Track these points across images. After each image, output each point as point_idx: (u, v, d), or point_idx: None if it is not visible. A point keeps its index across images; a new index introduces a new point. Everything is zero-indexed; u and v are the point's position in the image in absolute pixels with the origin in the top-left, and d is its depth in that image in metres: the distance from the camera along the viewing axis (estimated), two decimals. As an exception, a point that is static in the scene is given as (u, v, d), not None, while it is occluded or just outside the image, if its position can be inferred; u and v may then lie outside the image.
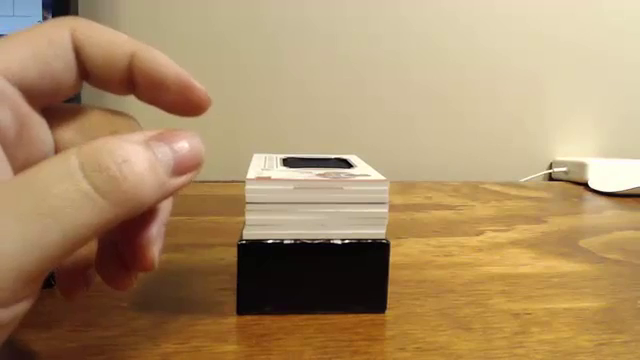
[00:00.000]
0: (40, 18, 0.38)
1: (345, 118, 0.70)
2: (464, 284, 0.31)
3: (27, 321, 0.24)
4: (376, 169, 0.28)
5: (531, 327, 0.25)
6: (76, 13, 0.42)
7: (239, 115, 0.68)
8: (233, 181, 0.59)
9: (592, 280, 0.32)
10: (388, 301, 0.26)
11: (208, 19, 0.66)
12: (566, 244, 0.40)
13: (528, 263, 0.35)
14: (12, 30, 0.39)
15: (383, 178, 0.26)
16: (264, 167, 0.28)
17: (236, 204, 0.29)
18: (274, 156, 0.32)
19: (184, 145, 0.17)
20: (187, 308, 0.26)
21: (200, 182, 0.58)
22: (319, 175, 0.26)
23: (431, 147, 0.72)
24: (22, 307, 0.15)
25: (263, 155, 0.33)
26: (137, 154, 0.15)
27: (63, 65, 0.18)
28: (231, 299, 0.26)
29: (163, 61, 0.19)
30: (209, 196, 0.53)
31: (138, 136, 0.16)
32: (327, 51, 0.69)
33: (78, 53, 0.18)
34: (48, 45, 0.18)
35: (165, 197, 0.16)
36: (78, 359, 0.21)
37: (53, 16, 0.39)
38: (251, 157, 0.31)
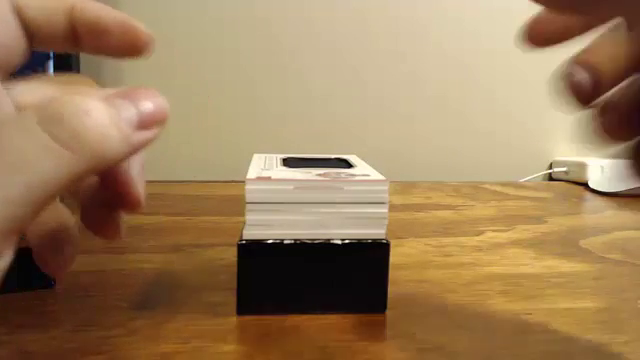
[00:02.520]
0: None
1: (345, 118, 0.70)
2: (464, 284, 0.31)
3: (27, 321, 0.25)
4: (376, 169, 0.28)
5: (531, 327, 0.25)
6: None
7: (239, 115, 0.68)
8: (233, 181, 0.59)
9: (592, 280, 0.32)
10: (388, 301, 0.26)
11: (209, 19, 0.66)
12: (566, 244, 0.40)
13: (528, 263, 0.35)
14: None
15: (383, 178, 0.26)
16: (264, 167, 0.28)
17: (236, 204, 0.29)
18: (274, 156, 0.32)
19: (146, 102, 0.17)
20: (187, 308, 0.26)
21: (200, 182, 0.58)
22: (319, 175, 0.26)
23: (431, 147, 0.72)
24: None
25: (263, 155, 0.33)
26: (98, 108, 0.15)
27: (7, 31, 0.18)
28: (231, 299, 0.26)
29: (101, 8, 0.19)
30: (209, 196, 0.53)
31: (99, 93, 0.16)
32: (327, 51, 0.69)
33: (20, 17, 0.18)
34: None
35: (132, 152, 0.16)
36: (78, 359, 0.21)
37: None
38: (251, 157, 0.31)
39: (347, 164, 0.30)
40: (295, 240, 0.25)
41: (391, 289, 0.26)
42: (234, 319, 0.25)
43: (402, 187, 0.62)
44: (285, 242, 0.25)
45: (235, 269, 0.25)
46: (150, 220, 0.43)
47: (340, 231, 0.25)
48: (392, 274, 0.26)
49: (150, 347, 0.22)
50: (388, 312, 0.26)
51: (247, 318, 0.25)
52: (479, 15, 0.71)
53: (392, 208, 0.25)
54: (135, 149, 0.16)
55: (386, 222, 0.26)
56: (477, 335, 0.25)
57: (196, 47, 0.66)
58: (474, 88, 0.72)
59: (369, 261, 0.26)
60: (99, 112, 0.15)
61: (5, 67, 0.19)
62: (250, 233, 0.25)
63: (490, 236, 0.42)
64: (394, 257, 0.26)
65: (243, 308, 0.26)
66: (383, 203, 0.25)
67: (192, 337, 0.23)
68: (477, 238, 0.41)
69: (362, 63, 0.70)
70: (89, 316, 0.25)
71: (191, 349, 0.22)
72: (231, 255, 0.25)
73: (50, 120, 0.14)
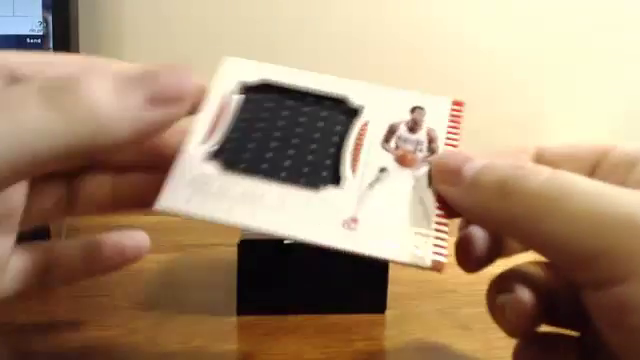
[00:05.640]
0: (40, 19, 0.38)
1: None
2: (464, 284, 0.31)
3: (27, 321, 0.25)
4: None
5: (531, 327, 0.25)
6: (76, 14, 0.42)
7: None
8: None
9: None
10: (388, 301, 0.26)
11: (208, 18, 0.66)
12: (566, 244, 0.40)
13: (528, 263, 0.35)
14: (12, 30, 0.38)
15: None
16: None
17: (236, 204, 0.29)
18: None
19: (163, 78, 0.15)
20: (187, 308, 0.26)
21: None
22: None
23: (431, 147, 0.72)
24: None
25: None
26: (104, 74, 0.14)
27: None
28: (231, 299, 0.26)
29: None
30: (209, 196, 0.53)
31: (112, 66, 0.16)
32: (327, 51, 0.69)
33: None
34: None
35: (139, 131, 0.15)
36: (78, 359, 0.21)
37: (53, 17, 0.38)
38: None
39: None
40: (295, 240, 0.25)
41: (391, 289, 0.26)
42: (234, 319, 0.25)
43: (402, 187, 0.62)
44: (285, 242, 0.25)
45: (235, 269, 0.25)
46: (150, 220, 0.43)
47: (340, 231, 0.25)
48: (392, 274, 0.26)
49: (150, 347, 0.22)
50: (388, 312, 0.26)
51: (247, 318, 0.25)
52: (480, 14, 0.71)
53: (392, 208, 0.25)
54: (143, 126, 0.15)
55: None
56: (477, 335, 0.25)
57: (195, 46, 0.66)
58: (474, 88, 0.72)
59: (369, 261, 0.26)
60: (102, 77, 0.14)
61: None
62: (250, 233, 0.25)
63: (490, 236, 0.42)
64: (394, 257, 0.26)
65: (243, 308, 0.26)
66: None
67: (192, 337, 0.23)
68: (477, 238, 0.41)
69: (362, 62, 0.70)
70: (89, 316, 0.25)
71: (191, 349, 0.22)
72: (231, 255, 0.25)
73: (50, 87, 0.14)
